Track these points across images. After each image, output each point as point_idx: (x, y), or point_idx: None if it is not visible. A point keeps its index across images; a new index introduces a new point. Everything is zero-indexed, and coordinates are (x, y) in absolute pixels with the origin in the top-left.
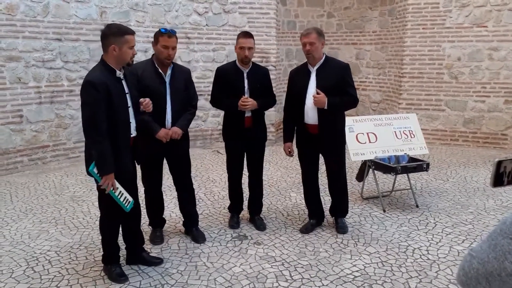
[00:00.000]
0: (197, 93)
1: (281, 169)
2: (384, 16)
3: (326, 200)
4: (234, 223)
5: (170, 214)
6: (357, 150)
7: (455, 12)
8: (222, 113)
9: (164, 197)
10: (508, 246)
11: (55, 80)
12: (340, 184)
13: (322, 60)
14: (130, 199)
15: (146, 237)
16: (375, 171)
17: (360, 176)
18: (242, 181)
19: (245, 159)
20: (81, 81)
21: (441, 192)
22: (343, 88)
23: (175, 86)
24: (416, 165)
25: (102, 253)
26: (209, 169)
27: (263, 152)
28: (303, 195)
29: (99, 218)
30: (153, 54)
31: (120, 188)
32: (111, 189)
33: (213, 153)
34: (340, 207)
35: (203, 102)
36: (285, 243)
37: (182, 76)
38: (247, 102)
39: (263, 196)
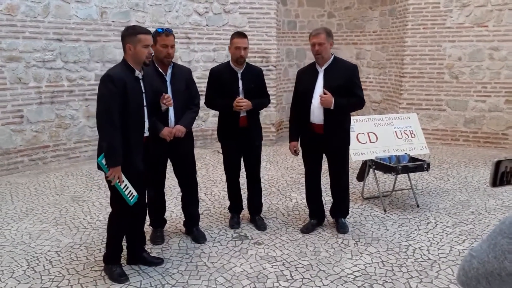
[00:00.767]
0: (199, 92)
1: (281, 169)
2: (385, 16)
3: (326, 200)
4: (234, 223)
5: (170, 214)
6: (357, 150)
7: (456, 12)
8: None
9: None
10: (508, 245)
11: (55, 81)
12: (342, 185)
13: (330, 61)
14: (135, 193)
15: (147, 237)
16: (376, 171)
17: (361, 176)
18: (241, 181)
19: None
20: (81, 82)
21: (441, 192)
22: (350, 89)
23: (176, 85)
24: (416, 165)
25: (104, 252)
26: (210, 169)
27: (259, 151)
28: (303, 195)
29: (108, 215)
30: (152, 55)
31: (126, 182)
32: (117, 181)
33: (214, 153)
34: (341, 208)
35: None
36: (286, 243)
37: (183, 75)
38: (242, 103)
39: (264, 196)
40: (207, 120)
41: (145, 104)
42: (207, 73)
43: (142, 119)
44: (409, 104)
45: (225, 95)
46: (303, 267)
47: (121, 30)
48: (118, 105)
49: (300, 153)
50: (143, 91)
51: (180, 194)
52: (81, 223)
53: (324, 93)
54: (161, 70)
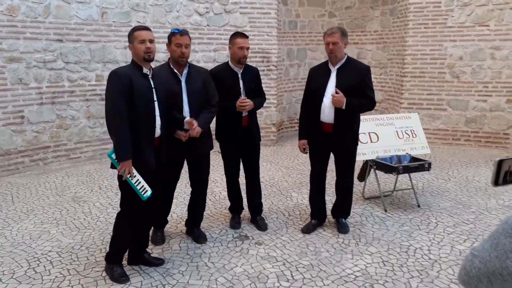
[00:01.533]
0: (217, 93)
1: (282, 169)
2: (386, 16)
3: (327, 200)
4: (235, 223)
5: (171, 214)
6: (358, 150)
7: (457, 11)
8: None
9: None
10: (510, 245)
11: (56, 81)
12: (346, 185)
13: (343, 60)
14: (148, 189)
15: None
16: (377, 171)
17: (362, 176)
18: (241, 181)
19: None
20: (82, 82)
21: (442, 192)
22: (361, 90)
23: (192, 86)
24: (417, 165)
25: (108, 250)
26: (211, 169)
27: (259, 151)
28: (304, 195)
29: (116, 214)
30: (169, 58)
31: (138, 177)
32: (128, 176)
33: (214, 153)
34: (342, 208)
35: None
36: (286, 243)
37: (199, 75)
38: (246, 102)
39: (264, 196)
40: None
41: (155, 99)
42: None
43: (152, 113)
44: (410, 103)
45: (226, 95)
46: (303, 267)
47: (121, 30)
48: (125, 100)
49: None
50: (152, 86)
51: (181, 194)
52: (81, 223)
53: (336, 93)
54: (176, 71)
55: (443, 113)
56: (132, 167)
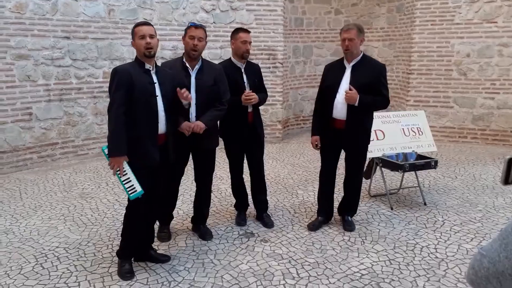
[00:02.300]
0: (228, 92)
1: (288, 166)
2: (392, 13)
3: (334, 197)
4: (240, 220)
5: (177, 211)
6: None
7: (465, 7)
8: None
9: None
10: None
11: (63, 78)
12: (355, 182)
13: (359, 57)
14: (139, 189)
15: (154, 234)
16: (383, 169)
17: (368, 174)
18: (246, 178)
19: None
20: (89, 79)
21: (449, 190)
22: (376, 88)
23: (202, 81)
24: (424, 163)
25: (120, 245)
26: (216, 166)
27: (263, 148)
28: (310, 193)
29: (125, 208)
30: (183, 53)
31: (130, 175)
32: (118, 172)
33: (220, 151)
34: (349, 206)
35: None
36: (292, 240)
37: (212, 72)
38: (251, 95)
39: (270, 193)
40: None
41: (157, 94)
42: None
43: (154, 108)
44: (417, 101)
45: (231, 90)
46: (309, 264)
47: (128, 27)
48: (123, 95)
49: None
50: (154, 81)
51: (188, 190)
52: (89, 219)
53: (350, 90)
54: (187, 65)
55: (450, 110)
56: (127, 165)
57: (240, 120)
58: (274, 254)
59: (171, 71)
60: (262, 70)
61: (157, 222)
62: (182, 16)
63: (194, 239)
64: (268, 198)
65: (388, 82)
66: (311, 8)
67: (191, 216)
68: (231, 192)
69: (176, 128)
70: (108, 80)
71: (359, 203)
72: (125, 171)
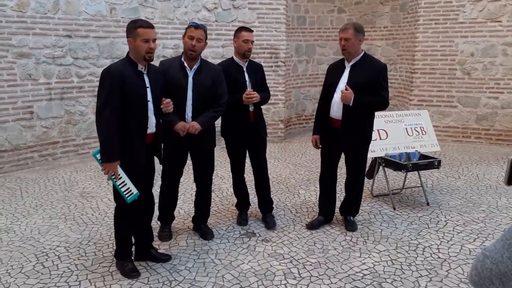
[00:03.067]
0: (226, 93)
1: (289, 166)
2: (396, 11)
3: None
4: (242, 220)
5: (178, 210)
6: None
7: (469, 6)
8: None
9: None
10: None
11: (65, 77)
12: (356, 184)
13: (359, 57)
14: (134, 191)
15: (155, 233)
16: (386, 168)
17: (370, 173)
18: (249, 178)
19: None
20: (90, 78)
21: (452, 190)
22: (375, 88)
23: (199, 81)
24: (427, 163)
25: (115, 247)
26: (218, 165)
27: (265, 147)
28: (312, 192)
29: (114, 209)
30: (182, 52)
31: (125, 178)
32: (113, 177)
33: (222, 150)
34: (351, 206)
35: None
36: (294, 240)
37: (210, 72)
38: (253, 94)
39: (272, 193)
40: None
41: (149, 99)
42: None
43: (145, 113)
44: (420, 100)
45: (232, 89)
46: (311, 264)
47: None
48: (116, 99)
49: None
50: (147, 85)
51: (189, 190)
52: (89, 219)
53: (346, 89)
54: (185, 65)
55: (454, 110)
56: (120, 168)
57: (242, 119)
58: (275, 254)
59: (164, 68)
60: (264, 69)
61: (158, 222)
62: (184, 15)
63: (195, 238)
64: (271, 197)
65: (392, 81)
66: (314, 6)
67: (192, 216)
68: (232, 192)
69: (172, 128)
70: None
71: (362, 203)
72: (119, 175)
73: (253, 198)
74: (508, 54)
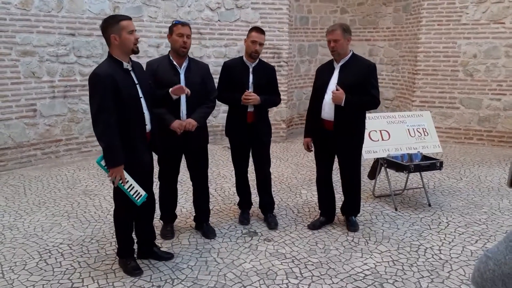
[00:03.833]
0: (216, 89)
1: (291, 166)
2: (399, 12)
3: (337, 198)
4: (244, 219)
5: (180, 209)
6: (369, 148)
7: (472, 8)
8: None
9: None
10: None
11: (68, 75)
12: (352, 184)
13: (348, 57)
14: (143, 193)
15: (157, 231)
16: (388, 169)
17: (372, 174)
18: (251, 177)
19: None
20: None
21: (454, 191)
22: (365, 88)
23: (190, 79)
24: (429, 164)
25: (117, 246)
26: (220, 165)
27: (267, 149)
28: (314, 192)
29: (113, 209)
30: (169, 51)
31: (131, 181)
32: (120, 182)
33: (224, 149)
34: (352, 206)
35: None
36: (296, 240)
37: (199, 70)
38: (250, 96)
39: (273, 192)
40: (217, 116)
41: (141, 95)
42: (218, 68)
43: (141, 111)
44: (422, 101)
45: (234, 88)
46: (312, 264)
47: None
48: (111, 102)
49: (313, 151)
50: (136, 82)
51: (191, 189)
52: (92, 216)
53: (337, 90)
54: (175, 63)
55: (456, 111)
56: (125, 172)
57: (239, 119)
58: (277, 253)
59: (153, 68)
60: None
61: (161, 221)
62: (187, 14)
63: (197, 237)
64: (273, 198)
65: (394, 82)
66: (316, 7)
67: (193, 216)
68: (234, 191)
69: (167, 127)
70: None
71: (363, 203)
72: (126, 179)
73: (255, 197)
74: (510, 56)
